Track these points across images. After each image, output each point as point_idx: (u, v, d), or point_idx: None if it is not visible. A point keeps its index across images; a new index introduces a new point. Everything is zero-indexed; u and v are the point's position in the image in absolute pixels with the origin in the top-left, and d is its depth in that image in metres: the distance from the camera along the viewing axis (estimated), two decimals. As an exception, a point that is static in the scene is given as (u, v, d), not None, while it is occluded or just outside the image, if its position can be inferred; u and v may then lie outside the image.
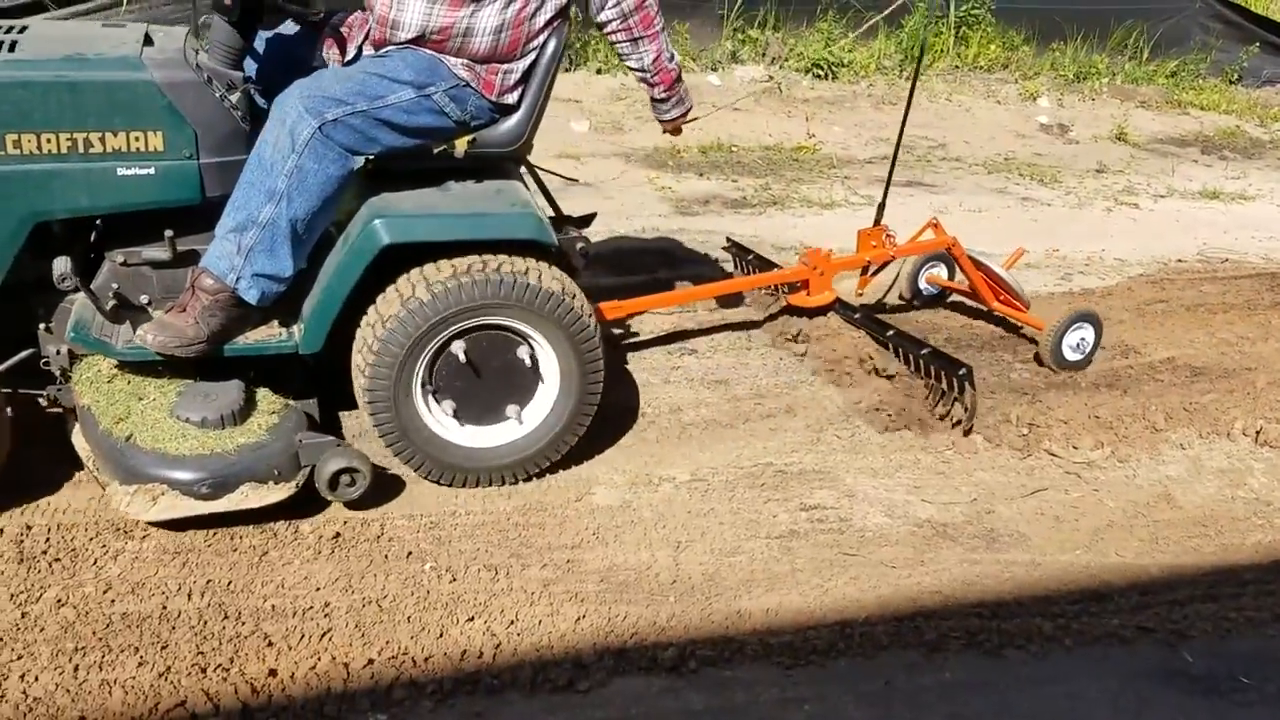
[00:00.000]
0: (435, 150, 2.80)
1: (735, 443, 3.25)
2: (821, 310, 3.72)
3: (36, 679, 2.16)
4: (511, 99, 2.78)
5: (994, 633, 2.55)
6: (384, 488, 2.86)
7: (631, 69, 2.92)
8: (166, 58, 2.56)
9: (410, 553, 2.65)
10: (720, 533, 2.83)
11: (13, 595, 2.37)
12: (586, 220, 3.25)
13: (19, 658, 2.21)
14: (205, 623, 2.35)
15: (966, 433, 3.28)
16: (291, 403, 2.78)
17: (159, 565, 2.51)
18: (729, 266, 4.43)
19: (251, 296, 2.63)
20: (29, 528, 2.58)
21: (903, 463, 3.22)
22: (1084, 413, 3.57)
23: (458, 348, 2.74)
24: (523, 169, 3.14)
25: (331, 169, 2.58)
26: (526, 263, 2.74)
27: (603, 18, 2.82)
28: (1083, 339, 3.78)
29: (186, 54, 2.59)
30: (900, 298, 4.32)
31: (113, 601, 2.39)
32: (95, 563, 2.50)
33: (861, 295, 4.13)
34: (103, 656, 2.23)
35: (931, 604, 2.63)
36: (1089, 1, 9.39)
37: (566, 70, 8.53)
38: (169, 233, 2.62)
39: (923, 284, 4.29)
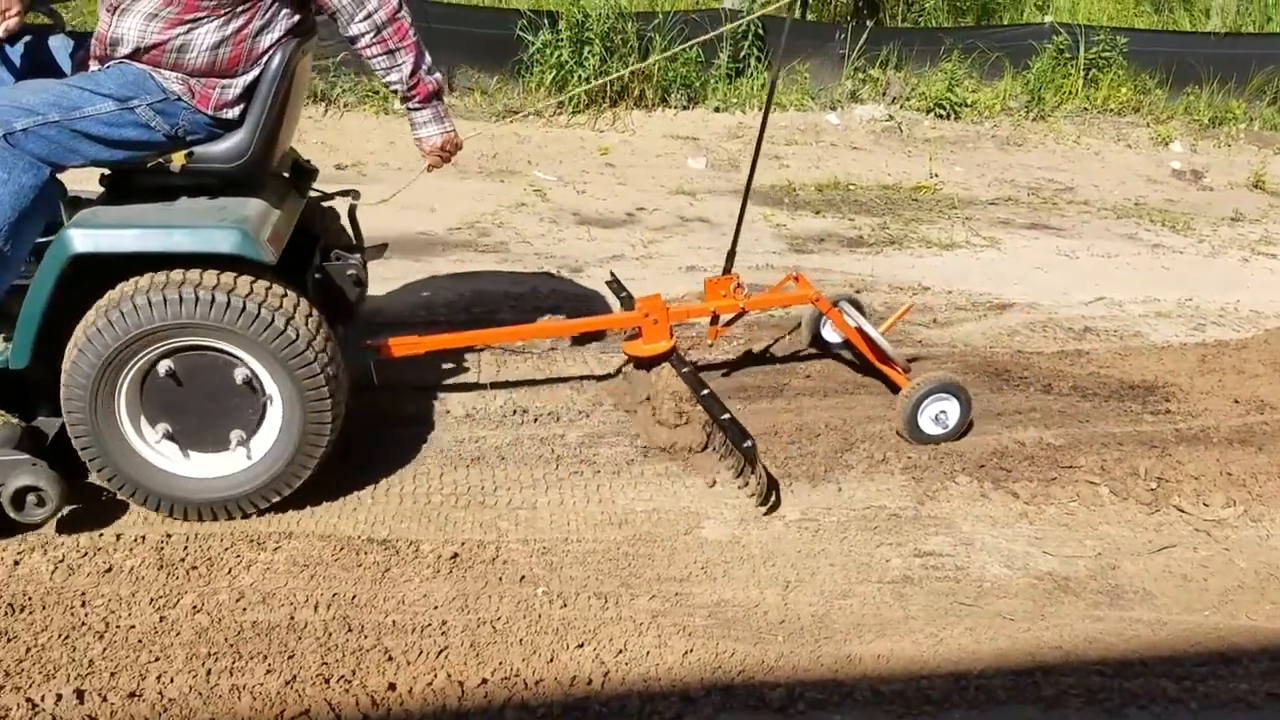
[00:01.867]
0: (149, 164, 2.71)
1: (848, 484, 3.22)
2: (656, 360, 3.41)
3: (171, 681, 2.28)
4: (231, 114, 2.71)
5: (1116, 692, 2.46)
6: (501, 511, 2.94)
7: (389, 83, 2.82)
8: None
9: (523, 577, 2.71)
10: (831, 574, 2.81)
11: (152, 600, 2.51)
12: (378, 250, 3.22)
13: (156, 660, 2.33)
14: (330, 634, 2.44)
15: (762, 507, 3.00)
16: (13, 420, 2.70)
17: (288, 577, 2.62)
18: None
19: None
20: (169, 536, 2.73)
21: (1024, 512, 3.14)
22: (1215, 468, 3.42)
23: (163, 368, 2.64)
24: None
25: (24, 179, 2.53)
26: (230, 279, 2.59)
27: (354, 31, 2.73)
28: (943, 412, 3.37)
29: None
30: (810, 344, 4.06)
31: (244, 610, 2.50)
32: (229, 572, 2.63)
33: (711, 345, 3.96)
34: (233, 662, 2.34)
35: (1051, 659, 2.55)
36: (1227, 46, 9.07)
37: (685, 108, 8.67)
38: None
39: (826, 333, 4.02)
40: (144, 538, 2.71)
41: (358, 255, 3.05)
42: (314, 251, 3.03)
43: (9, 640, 2.35)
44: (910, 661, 2.51)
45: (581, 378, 3.78)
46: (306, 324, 2.66)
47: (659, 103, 8.70)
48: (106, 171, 2.77)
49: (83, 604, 2.48)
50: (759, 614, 2.63)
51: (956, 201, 6.74)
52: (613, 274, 4.10)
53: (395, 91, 2.85)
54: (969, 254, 5.61)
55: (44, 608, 2.46)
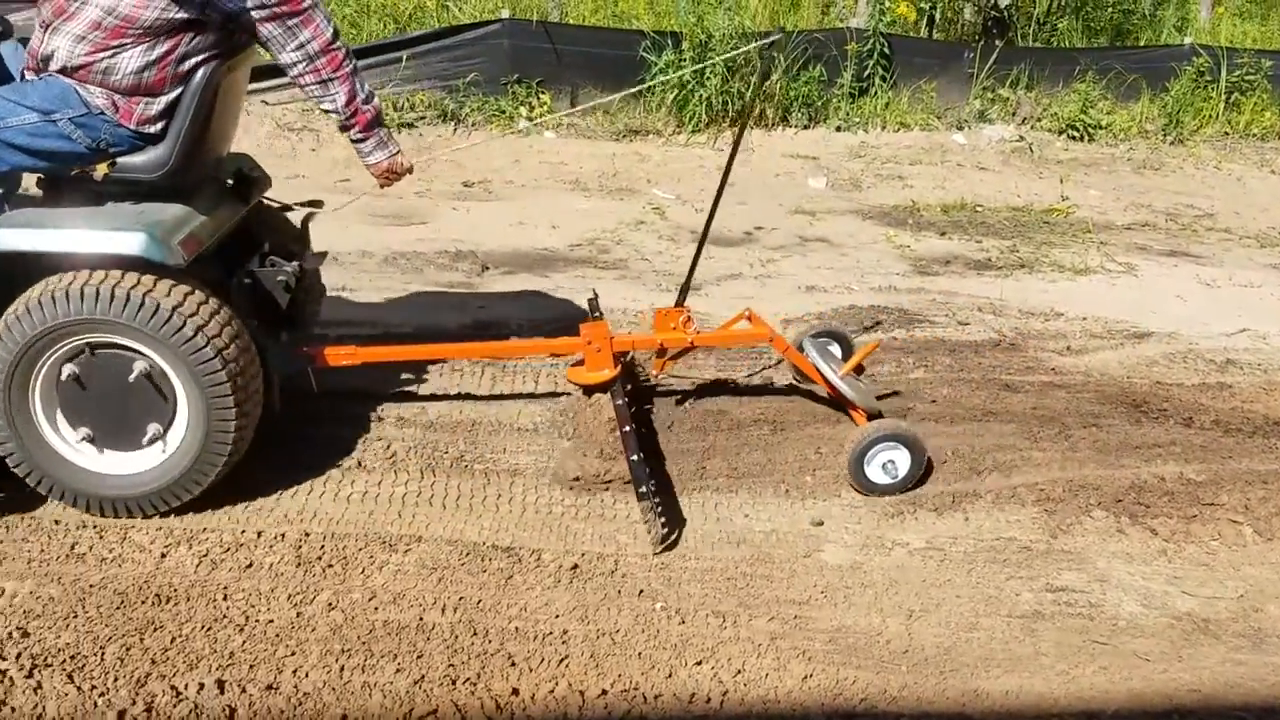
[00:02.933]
0: (72, 173, 2.78)
1: (975, 514, 3.14)
2: (598, 388, 3.29)
3: (306, 675, 2.36)
4: (153, 129, 2.76)
5: (1261, 744, 2.33)
6: (620, 524, 2.96)
7: (326, 111, 2.87)
8: None
9: (642, 590, 2.72)
10: (957, 605, 2.74)
11: (289, 596, 2.61)
12: (317, 258, 3.23)
13: (292, 654, 2.42)
14: (456, 637, 2.50)
15: (657, 551, 2.85)
16: None
17: (418, 579, 2.70)
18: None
19: None
20: (307, 535, 2.84)
21: (1163, 550, 3.01)
22: (1374, 513, 3.22)
23: (69, 368, 2.72)
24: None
25: None
26: (133, 279, 2.67)
27: (285, 60, 2.76)
28: (891, 461, 3.15)
29: None
30: (794, 379, 3.87)
31: (376, 609, 2.58)
32: (363, 571, 2.72)
33: (658, 378, 3.77)
34: (365, 660, 2.41)
35: (1189, 702, 2.44)
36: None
37: (806, 128, 8.63)
38: None
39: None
40: (284, 535, 2.83)
41: (294, 263, 3.07)
42: (250, 257, 3.09)
43: (156, 629, 2.47)
44: (1040, 699, 2.43)
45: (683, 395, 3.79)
46: (211, 323, 2.72)
47: (779, 122, 8.69)
48: (40, 175, 2.87)
49: (224, 597, 2.59)
50: (881, 642, 2.59)
51: (1090, 225, 6.52)
52: (594, 292, 4.04)
53: (334, 120, 2.88)
54: (1104, 280, 5.41)
55: (188, 599, 2.58)
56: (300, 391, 3.27)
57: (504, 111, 8.09)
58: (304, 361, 3.20)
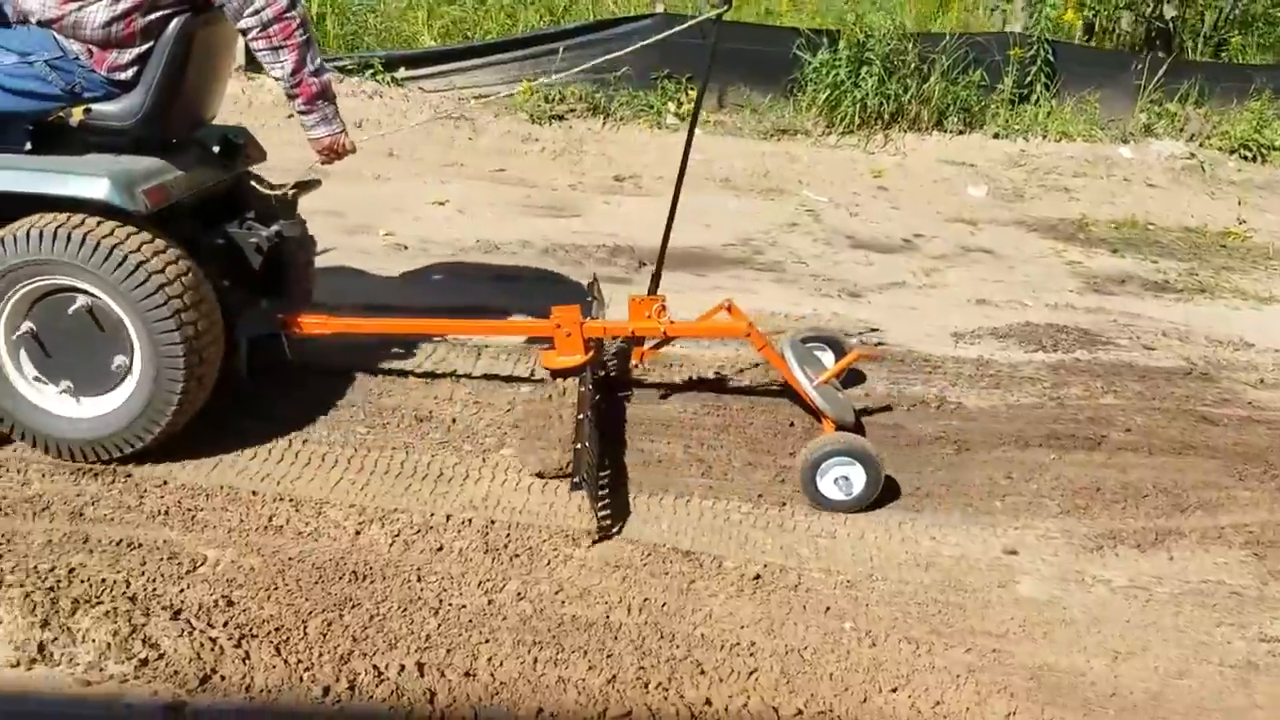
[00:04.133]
0: (50, 116, 2.87)
1: (1180, 553, 2.97)
2: (568, 373, 3.24)
3: (501, 664, 2.36)
4: (124, 75, 2.83)
5: None
6: (800, 537, 2.89)
7: (275, 78, 2.89)
8: None
9: (828, 608, 2.65)
10: (1164, 650, 2.59)
11: (480, 583, 2.62)
12: (294, 226, 3.23)
13: (486, 641, 2.43)
14: (644, 639, 2.47)
15: (591, 543, 2.78)
16: None
17: (602, 575, 2.68)
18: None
19: None
20: (493, 522, 2.85)
21: (1392, 608, 2.80)
22: None
23: (34, 312, 2.80)
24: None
25: None
26: (95, 223, 2.73)
27: (242, 25, 2.81)
28: (844, 477, 2.99)
29: None
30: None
31: (564, 603, 2.57)
32: (549, 564, 2.71)
33: (637, 366, 3.67)
34: (556, 654, 2.40)
35: None
36: None
37: (961, 133, 8.37)
38: None
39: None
40: (470, 521, 2.85)
41: (273, 227, 3.11)
42: (230, 221, 3.13)
43: (354, 606, 2.50)
44: (1262, 759, 2.27)
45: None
46: (166, 271, 2.76)
47: (934, 126, 8.45)
48: (28, 126, 2.91)
49: (418, 579, 2.62)
50: (1086, 683, 2.46)
51: (1271, 252, 6.16)
52: (594, 277, 3.96)
53: (281, 87, 2.91)
54: (1293, 310, 5.10)
55: (384, 578, 2.61)
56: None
57: (652, 106, 8.07)
58: (276, 326, 3.23)
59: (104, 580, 2.48)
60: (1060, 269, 5.58)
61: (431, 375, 3.66)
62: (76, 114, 2.88)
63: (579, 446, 2.85)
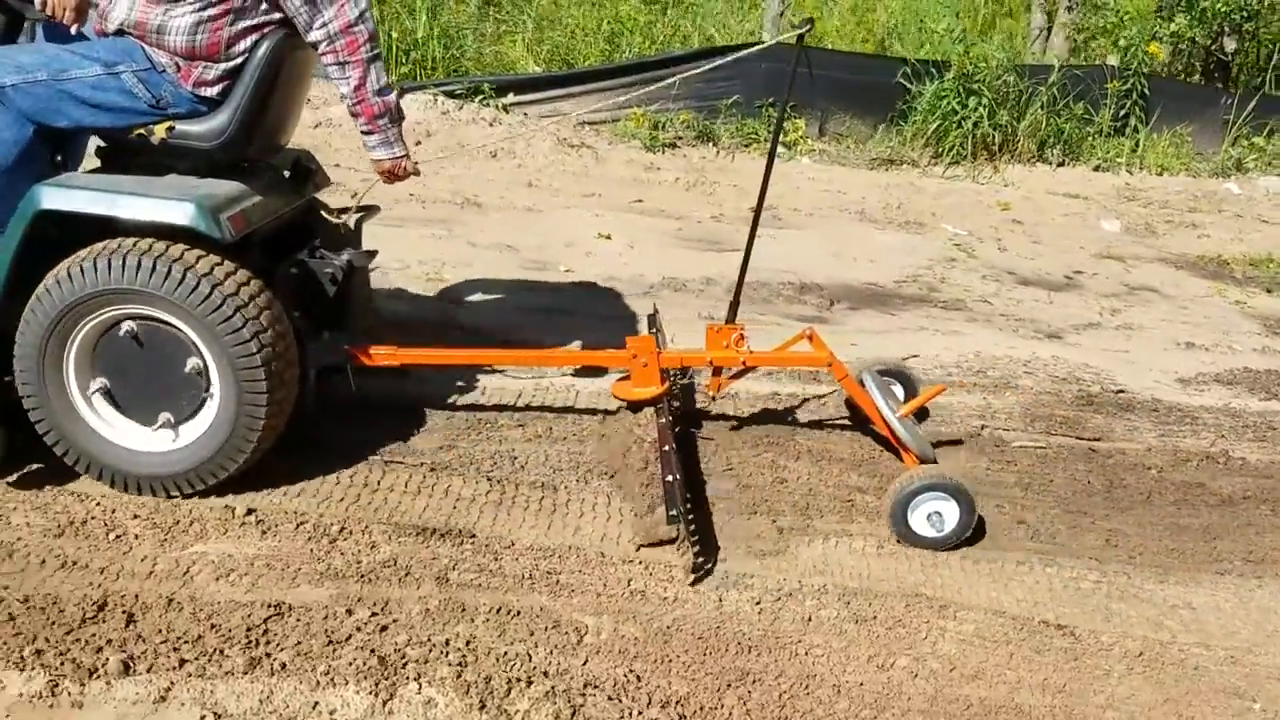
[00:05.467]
0: (133, 133, 2.77)
1: None
2: (644, 404, 3.21)
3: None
4: (210, 92, 2.75)
5: None
6: (1161, 609, 2.80)
7: (341, 95, 2.83)
8: None
9: (1226, 687, 2.55)
10: None
11: (868, 658, 2.51)
12: (367, 255, 3.14)
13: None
14: (1061, 724, 2.37)
15: (690, 582, 2.70)
16: None
17: (987, 652, 2.58)
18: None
19: None
20: (850, 590, 2.74)
21: None
22: None
23: (120, 331, 2.68)
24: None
25: (7, 133, 2.65)
26: (179, 250, 2.62)
27: (311, 38, 2.75)
28: (937, 513, 2.92)
29: None
30: (846, 406, 3.68)
31: (962, 682, 2.47)
32: (926, 637, 2.61)
33: (714, 399, 3.60)
34: (987, 742, 2.30)
35: None
36: None
37: (1062, 164, 8.36)
38: None
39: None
40: (825, 588, 2.74)
41: (343, 256, 3.03)
42: (301, 248, 3.04)
43: (754, 681, 2.40)
44: None
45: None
46: (249, 303, 2.66)
47: (1034, 157, 8.46)
48: (101, 145, 2.87)
49: (805, 652, 2.51)
50: None
51: None
52: (655, 308, 3.89)
53: (346, 105, 2.84)
54: None
55: (769, 650, 2.50)
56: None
57: (758, 135, 8.02)
58: (342, 357, 3.13)
59: (506, 654, 2.36)
60: (1229, 309, 5.55)
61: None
62: (159, 131, 2.77)
63: (669, 480, 2.77)
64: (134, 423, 2.79)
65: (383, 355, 3.15)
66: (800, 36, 3.30)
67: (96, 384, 2.75)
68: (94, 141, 2.98)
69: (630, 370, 3.23)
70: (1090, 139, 8.63)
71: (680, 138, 7.89)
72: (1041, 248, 6.45)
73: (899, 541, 2.96)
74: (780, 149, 8.00)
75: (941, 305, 5.17)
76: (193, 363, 2.72)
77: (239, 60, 2.76)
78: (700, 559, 2.74)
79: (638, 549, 2.81)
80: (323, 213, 3.24)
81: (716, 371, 3.46)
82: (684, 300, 4.86)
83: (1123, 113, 8.66)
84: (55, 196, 2.63)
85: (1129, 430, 3.81)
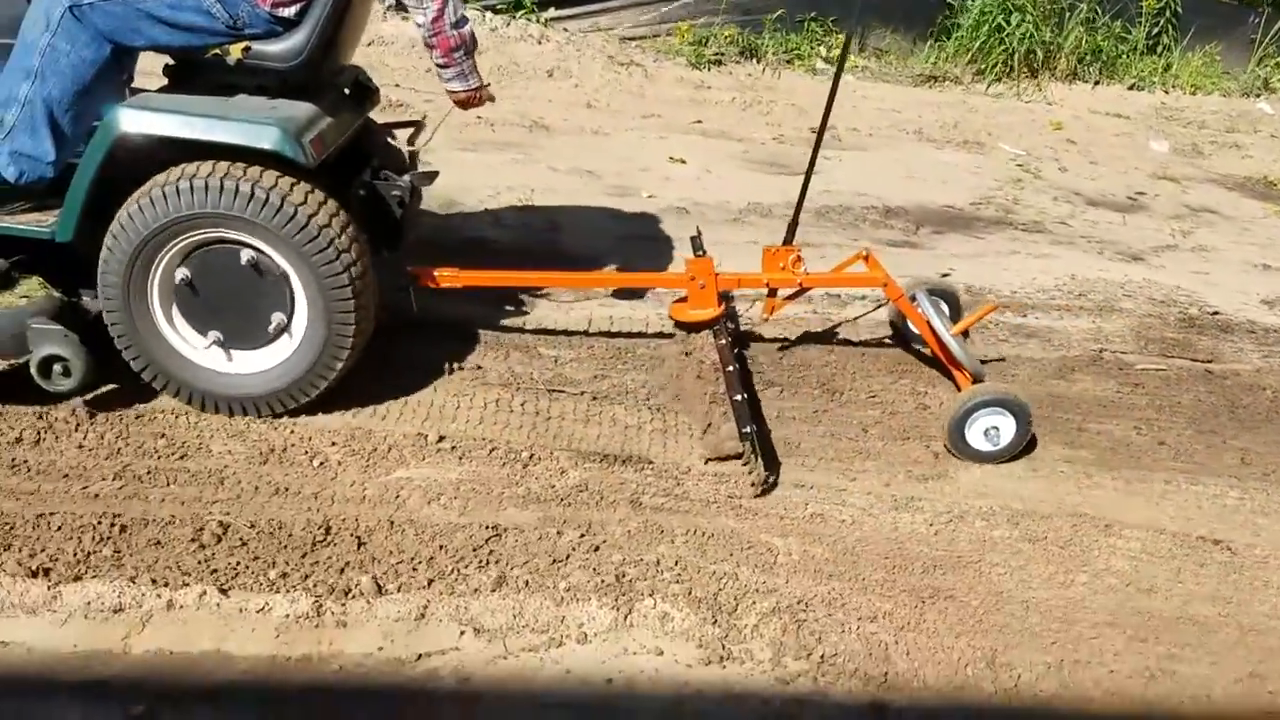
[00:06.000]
0: (208, 53, 2.78)
1: None
2: (700, 326, 3.28)
3: (1123, 659, 2.41)
4: (287, 12, 2.72)
5: None
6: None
7: (416, 25, 2.82)
8: None
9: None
10: None
11: (1049, 576, 2.66)
12: (427, 176, 3.13)
13: (1095, 637, 2.47)
14: (1245, 638, 2.52)
15: (757, 495, 2.80)
16: (55, 293, 2.77)
17: (1156, 566, 2.73)
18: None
19: (10, 174, 2.72)
20: (1018, 510, 2.88)
21: None
22: None
23: (191, 263, 2.70)
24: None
25: (85, 52, 2.63)
26: (261, 173, 2.62)
27: None
28: (994, 428, 3.04)
29: None
30: (890, 326, 3.77)
31: (1144, 595, 2.62)
32: (1099, 554, 2.75)
33: (767, 320, 3.63)
34: (1171, 649, 2.45)
35: None
36: None
37: (1098, 83, 8.37)
38: None
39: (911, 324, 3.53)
40: (993, 510, 2.87)
41: (406, 177, 3.04)
42: (363, 169, 3.05)
43: (947, 598, 2.54)
44: None
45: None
46: (333, 225, 2.68)
47: (1072, 74, 8.45)
48: (170, 63, 2.86)
49: (988, 570, 2.65)
50: None
51: None
52: (698, 229, 3.81)
53: (420, 35, 2.84)
54: None
55: (954, 569, 2.64)
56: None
57: (797, 50, 7.97)
58: (409, 281, 3.18)
59: (715, 572, 2.49)
60: (1285, 231, 5.66)
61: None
62: (235, 52, 2.73)
63: (738, 398, 2.87)
64: (207, 341, 2.80)
65: (447, 277, 3.19)
66: None
67: (177, 281, 2.73)
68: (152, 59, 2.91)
69: (689, 292, 3.28)
70: (1124, 57, 8.64)
71: (721, 53, 7.81)
72: (1099, 168, 6.51)
73: (959, 456, 3.07)
74: (822, 64, 7.99)
75: (1021, 227, 5.25)
76: (276, 284, 2.73)
77: None
78: (768, 474, 2.84)
79: (705, 462, 2.89)
80: (387, 136, 3.23)
81: (772, 293, 3.50)
82: (772, 225, 4.91)
83: (1155, 30, 8.65)
84: (136, 119, 2.61)
85: (1235, 352, 3.94)
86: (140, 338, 2.74)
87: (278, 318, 2.76)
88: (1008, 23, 8.01)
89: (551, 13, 7.55)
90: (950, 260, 4.65)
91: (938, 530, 2.78)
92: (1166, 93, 8.51)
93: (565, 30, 7.55)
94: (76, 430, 2.73)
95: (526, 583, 2.38)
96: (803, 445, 3.08)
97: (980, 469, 3.06)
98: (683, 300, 3.33)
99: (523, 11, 7.41)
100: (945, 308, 3.53)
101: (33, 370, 2.65)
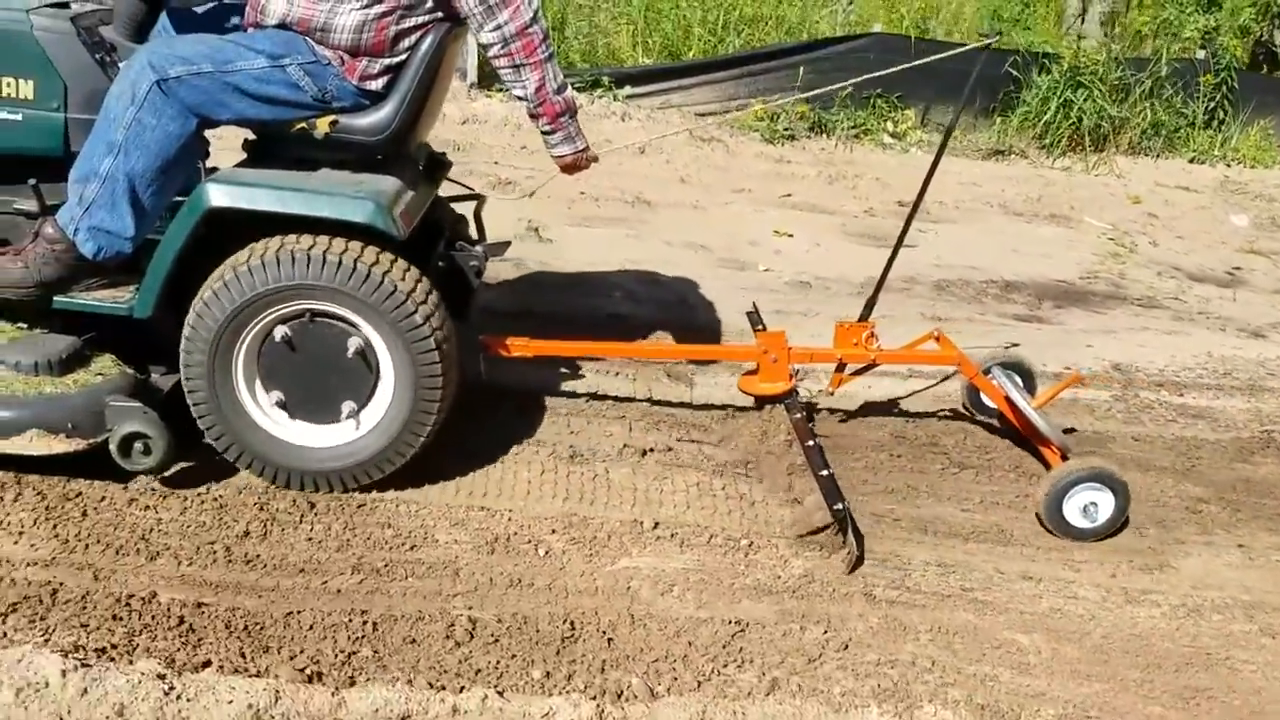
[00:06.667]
0: (295, 127, 2.71)
1: None
2: (770, 400, 3.27)
3: None
4: (375, 85, 2.70)
5: None
6: None
7: (517, 98, 2.78)
8: (53, 14, 2.70)
9: None
10: None
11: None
12: (499, 247, 3.13)
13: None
14: None
15: (848, 572, 2.72)
16: (128, 370, 2.75)
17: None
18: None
19: (88, 249, 2.65)
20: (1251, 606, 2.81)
21: None
22: None
23: (281, 331, 2.64)
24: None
25: (171, 126, 2.58)
26: (359, 248, 2.61)
27: (484, 39, 2.69)
28: (1093, 504, 2.97)
29: (82, 19, 2.73)
30: (964, 407, 3.69)
31: None
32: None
33: (832, 394, 3.56)
34: None
35: None
36: None
37: (1159, 156, 8.47)
38: (32, 181, 2.68)
39: (985, 399, 3.56)
40: (1225, 602, 2.81)
41: (480, 248, 3.03)
42: (438, 241, 3.03)
43: (1208, 697, 2.46)
44: None
45: None
46: (427, 301, 2.66)
47: (1135, 149, 8.55)
48: (250, 137, 2.83)
49: (1239, 668, 2.58)
50: None
51: None
52: (754, 305, 3.87)
53: (524, 107, 2.81)
54: None
55: (1204, 667, 2.57)
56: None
57: (863, 125, 8.05)
58: (480, 350, 3.14)
59: (976, 674, 2.42)
60: None
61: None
62: (322, 125, 2.69)
63: (824, 474, 2.83)
64: (307, 420, 2.76)
65: (520, 346, 3.15)
66: (987, 46, 3.39)
67: (271, 393, 2.72)
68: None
69: (760, 365, 3.25)
70: (1182, 131, 8.75)
71: (791, 129, 7.89)
72: (1188, 243, 6.55)
73: (1056, 534, 2.99)
74: (888, 138, 8.07)
75: (1138, 303, 5.24)
76: (356, 354, 2.68)
77: (403, 55, 2.71)
78: (859, 553, 2.77)
79: (798, 537, 2.83)
80: (471, 214, 3.24)
81: (840, 368, 3.47)
82: (894, 299, 4.90)
83: (1211, 105, 8.78)
84: (228, 193, 2.59)
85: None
86: (223, 411, 2.68)
87: (359, 391, 2.72)
88: (1075, 97, 8.12)
89: (628, 90, 7.66)
90: (1082, 336, 4.63)
91: (1178, 625, 2.70)
92: (1229, 166, 8.61)
93: (640, 108, 7.64)
94: (302, 522, 2.66)
95: (800, 686, 2.29)
96: (1015, 533, 3.01)
97: (1195, 559, 3.00)
98: (753, 373, 3.31)
99: (600, 89, 7.50)
100: (1019, 380, 3.46)
101: (112, 449, 2.59)
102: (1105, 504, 2.97)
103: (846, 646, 2.46)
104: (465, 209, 3.30)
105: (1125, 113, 8.36)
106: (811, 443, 3.00)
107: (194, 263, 2.65)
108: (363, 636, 2.30)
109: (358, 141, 2.73)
